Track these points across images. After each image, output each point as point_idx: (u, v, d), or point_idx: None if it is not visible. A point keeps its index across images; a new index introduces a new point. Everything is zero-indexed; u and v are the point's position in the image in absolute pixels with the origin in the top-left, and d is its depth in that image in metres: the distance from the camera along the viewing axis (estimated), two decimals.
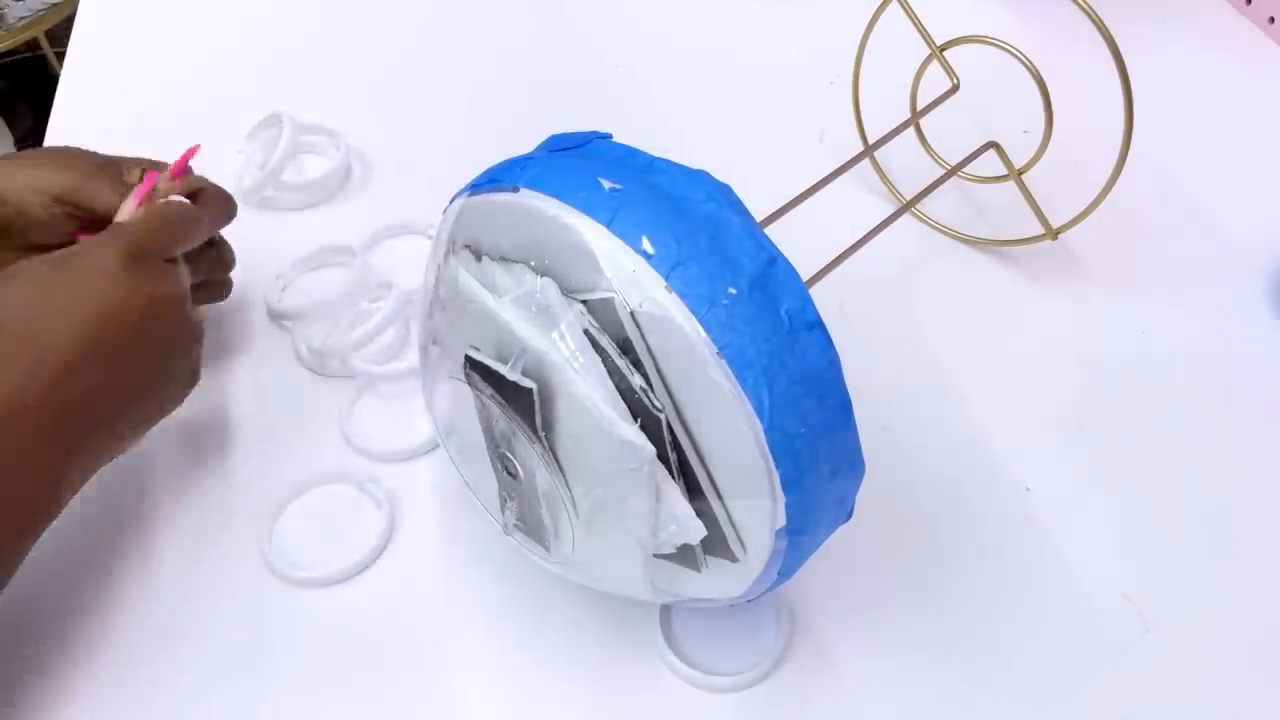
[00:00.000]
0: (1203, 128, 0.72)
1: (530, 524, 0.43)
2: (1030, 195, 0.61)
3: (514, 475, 0.42)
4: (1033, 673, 0.47)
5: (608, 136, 0.41)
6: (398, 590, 0.49)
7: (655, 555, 0.40)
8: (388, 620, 0.48)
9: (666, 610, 0.48)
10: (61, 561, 0.48)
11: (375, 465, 0.53)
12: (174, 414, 0.48)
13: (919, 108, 0.63)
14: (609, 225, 0.36)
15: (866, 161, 0.65)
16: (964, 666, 0.47)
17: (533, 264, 0.38)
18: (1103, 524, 0.52)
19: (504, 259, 0.39)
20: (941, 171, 0.60)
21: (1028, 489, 0.53)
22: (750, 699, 0.46)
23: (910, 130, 0.64)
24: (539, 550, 0.44)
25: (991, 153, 0.62)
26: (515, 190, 0.39)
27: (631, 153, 0.39)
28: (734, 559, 0.39)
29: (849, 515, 0.41)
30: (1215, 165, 0.69)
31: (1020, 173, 0.61)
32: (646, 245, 0.36)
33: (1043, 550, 0.51)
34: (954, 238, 0.65)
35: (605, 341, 0.36)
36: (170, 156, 0.53)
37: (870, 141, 0.62)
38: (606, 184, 0.37)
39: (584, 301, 0.37)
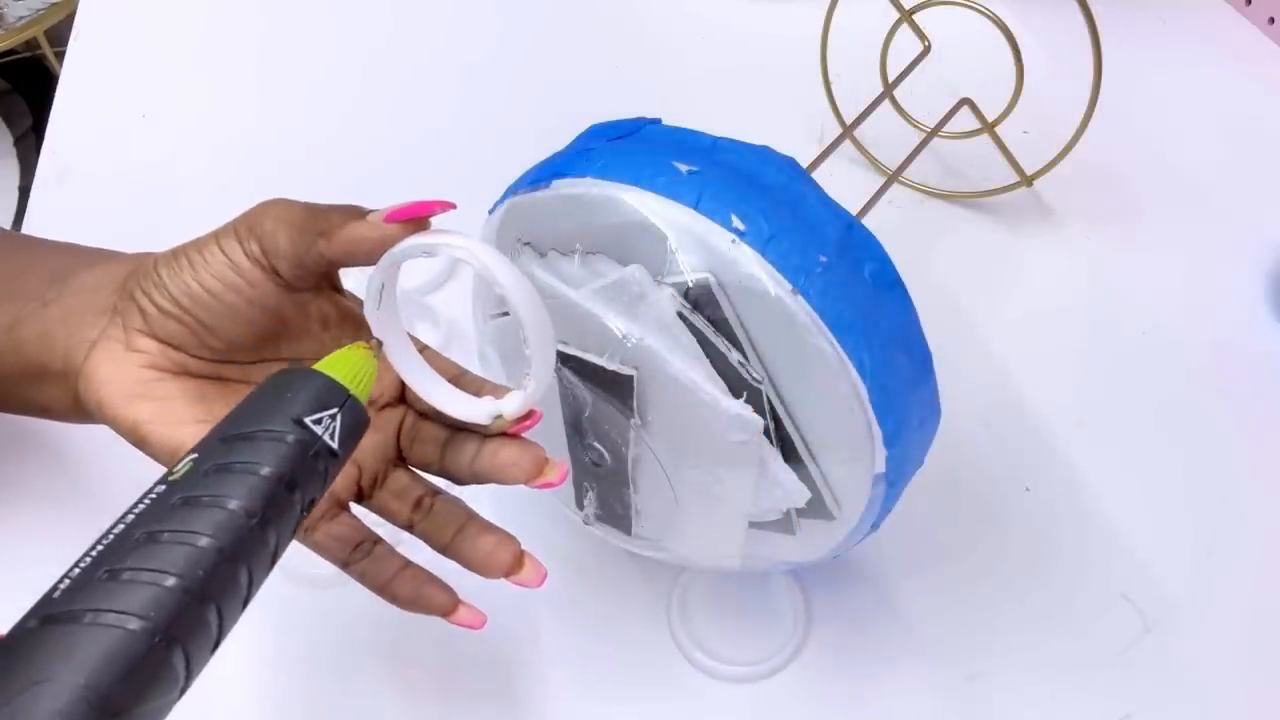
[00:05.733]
0: (1202, 128, 0.72)
1: (610, 511, 0.44)
2: (1004, 145, 0.64)
3: (598, 464, 0.42)
4: (1033, 672, 0.47)
5: (657, 121, 0.42)
6: None
7: (751, 524, 0.41)
8: (396, 616, 0.48)
9: (681, 598, 0.49)
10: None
11: None
12: None
13: (889, 72, 0.65)
14: (696, 207, 0.37)
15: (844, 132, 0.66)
16: (964, 666, 0.47)
17: (614, 253, 0.38)
18: (1102, 524, 0.52)
19: (580, 252, 0.39)
20: (918, 135, 0.61)
21: (1027, 489, 0.53)
22: (761, 691, 0.46)
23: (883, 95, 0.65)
24: (619, 535, 0.45)
25: (965, 110, 0.63)
26: (584, 180, 0.39)
27: (692, 134, 0.40)
28: (830, 517, 0.40)
29: (923, 461, 0.43)
30: (1215, 165, 0.69)
31: (993, 125, 0.63)
32: (737, 223, 0.36)
33: (1043, 550, 0.51)
34: (934, 195, 0.67)
35: (699, 321, 0.37)
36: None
37: (847, 120, 0.62)
38: (683, 167, 0.38)
39: (675, 284, 0.37)
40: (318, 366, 0.32)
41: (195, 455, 0.29)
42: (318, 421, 0.31)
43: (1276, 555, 0.51)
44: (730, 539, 0.42)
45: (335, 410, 0.31)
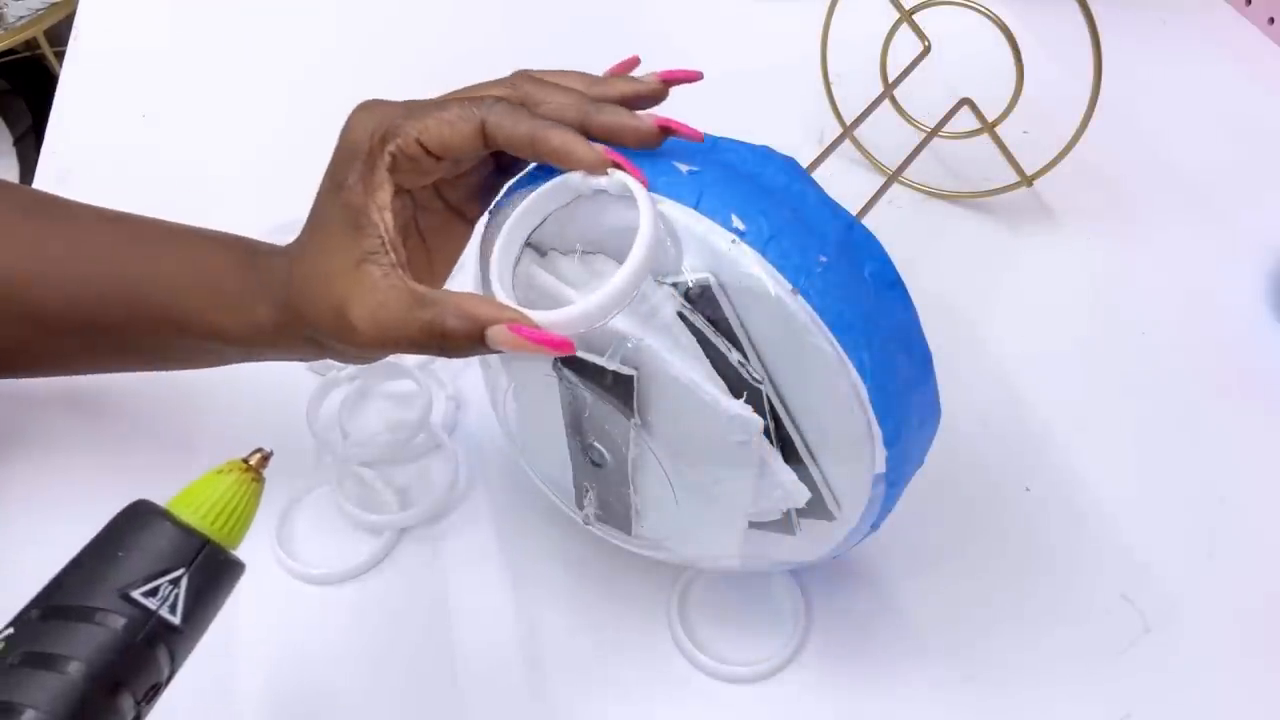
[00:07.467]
0: (1202, 128, 0.72)
1: (610, 511, 0.44)
2: (1004, 145, 0.64)
3: (599, 464, 0.42)
4: (1033, 673, 0.47)
5: None
6: (405, 586, 0.49)
7: (751, 524, 0.41)
8: (397, 615, 0.48)
9: (681, 598, 0.49)
10: None
11: (380, 466, 0.53)
12: (176, 418, 0.47)
13: (889, 72, 0.65)
14: (696, 206, 0.37)
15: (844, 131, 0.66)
16: (964, 666, 0.47)
17: (614, 253, 0.38)
18: (1103, 524, 0.52)
19: (580, 251, 0.39)
20: (918, 135, 0.61)
21: (1027, 489, 0.53)
22: (761, 691, 0.46)
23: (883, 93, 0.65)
24: (619, 535, 0.45)
25: (965, 110, 0.64)
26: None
27: None
28: (830, 518, 0.40)
29: (922, 461, 0.43)
30: (1214, 165, 0.69)
31: (993, 125, 0.63)
32: (737, 223, 0.36)
33: (1043, 550, 0.51)
34: (934, 195, 0.67)
35: (700, 321, 0.37)
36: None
37: (847, 120, 0.63)
38: (683, 167, 0.38)
39: (675, 284, 0.37)
40: (172, 503, 0.25)
41: (11, 631, 0.23)
42: (152, 593, 0.24)
43: (1276, 555, 0.51)
44: (730, 539, 0.42)
45: (181, 572, 0.24)
